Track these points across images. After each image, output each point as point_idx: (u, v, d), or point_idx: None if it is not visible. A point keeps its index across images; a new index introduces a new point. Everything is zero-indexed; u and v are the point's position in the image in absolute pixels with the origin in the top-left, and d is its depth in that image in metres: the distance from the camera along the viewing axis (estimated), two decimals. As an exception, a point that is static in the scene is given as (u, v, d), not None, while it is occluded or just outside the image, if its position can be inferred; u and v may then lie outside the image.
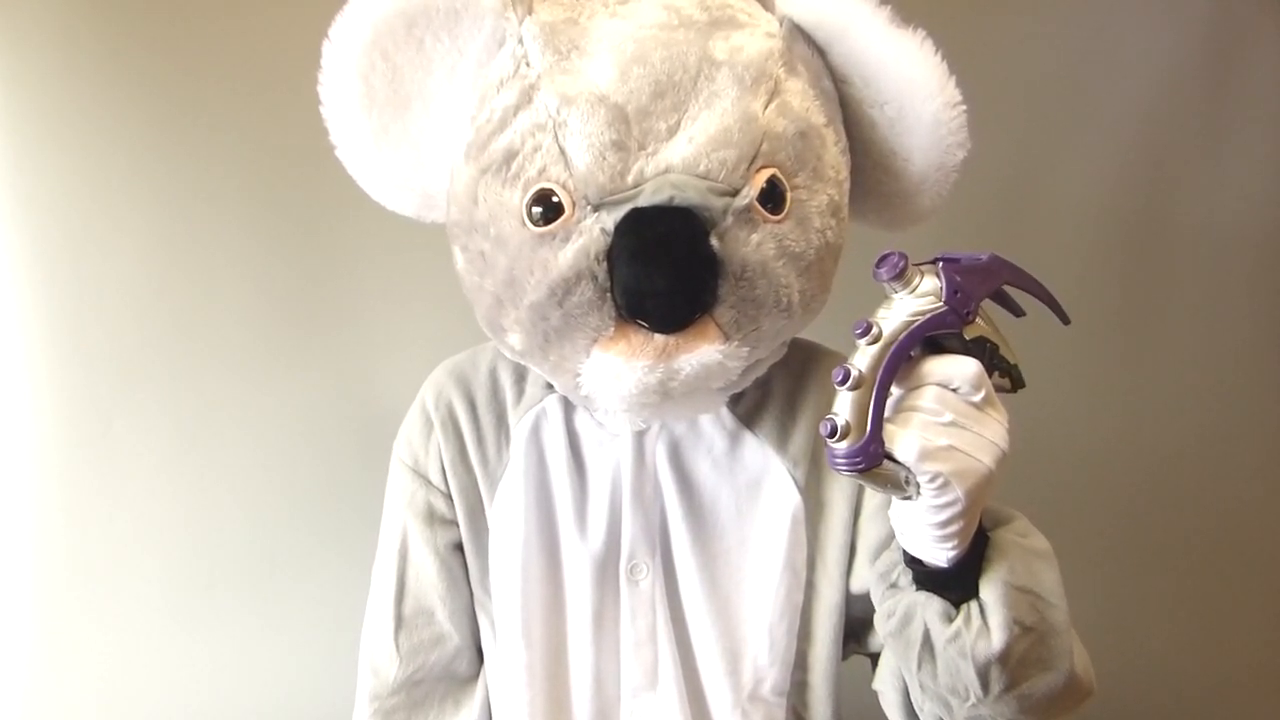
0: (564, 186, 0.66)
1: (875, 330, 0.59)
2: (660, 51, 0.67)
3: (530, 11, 0.71)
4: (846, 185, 0.74)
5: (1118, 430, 1.39)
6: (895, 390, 0.60)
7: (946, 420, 0.58)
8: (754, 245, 0.66)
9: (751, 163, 0.66)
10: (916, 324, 0.59)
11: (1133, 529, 1.40)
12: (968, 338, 0.62)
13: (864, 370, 0.58)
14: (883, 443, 0.58)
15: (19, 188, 1.26)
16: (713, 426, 0.80)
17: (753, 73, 0.68)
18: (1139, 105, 1.36)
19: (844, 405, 0.59)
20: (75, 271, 1.28)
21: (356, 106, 0.74)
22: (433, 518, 0.84)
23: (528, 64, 0.69)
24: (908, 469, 0.59)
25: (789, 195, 0.68)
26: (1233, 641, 1.42)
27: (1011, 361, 0.65)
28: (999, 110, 1.27)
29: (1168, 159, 1.37)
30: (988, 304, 0.64)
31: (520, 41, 0.70)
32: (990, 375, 0.61)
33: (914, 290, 0.60)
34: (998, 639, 0.63)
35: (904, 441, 0.58)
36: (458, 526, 0.84)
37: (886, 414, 0.59)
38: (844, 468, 0.59)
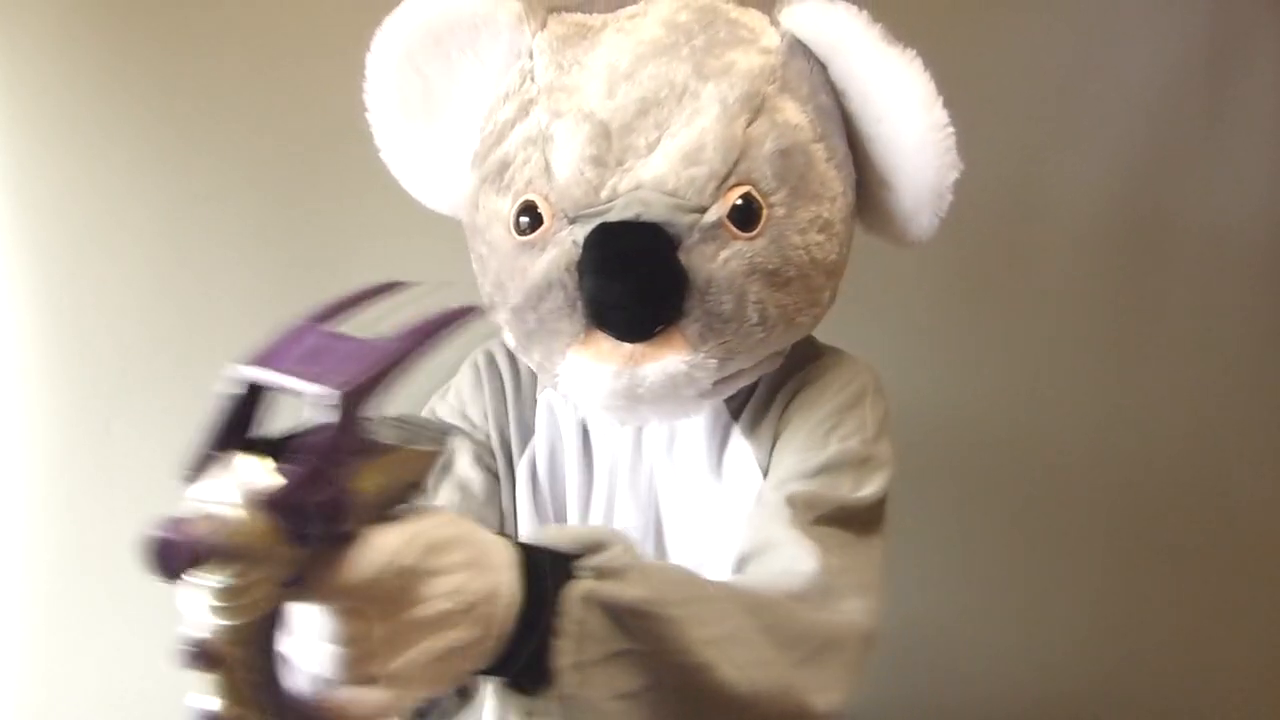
0: (546, 198, 0.69)
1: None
2: (650, 69, 0.69)
3: (543, 26, 0.73)
4: (843, 200, 0.74)
5: (1117, 430, 1.39)
6: None
7: None
8: (721, 261, 0.68)
9: (724, 181, 0.68)
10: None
11: (1132, 529, 1.40)
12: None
13: None
14: None
15: (19, 186, 1.26)
16: (707, 422, 0.80)
17: (738, 91, 0.69)
18: (1139, 105, 1.36)
19: None
20: (75, 270, 1.28)
21: (397, 115, 0.80)
22: (476, 449, 0.83)
23: (532, 79, 0.72)
24: None
25: (765, 213, 0.69)
26: (1233, 641, 1.42)
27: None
28: (999, 110, 1.27)
29: (1168, 159, 1.37)
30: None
31: (530, 56, 0.73)
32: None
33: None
34: None
35: None
36: (495, 474, 0.83)
37: None
38: None
